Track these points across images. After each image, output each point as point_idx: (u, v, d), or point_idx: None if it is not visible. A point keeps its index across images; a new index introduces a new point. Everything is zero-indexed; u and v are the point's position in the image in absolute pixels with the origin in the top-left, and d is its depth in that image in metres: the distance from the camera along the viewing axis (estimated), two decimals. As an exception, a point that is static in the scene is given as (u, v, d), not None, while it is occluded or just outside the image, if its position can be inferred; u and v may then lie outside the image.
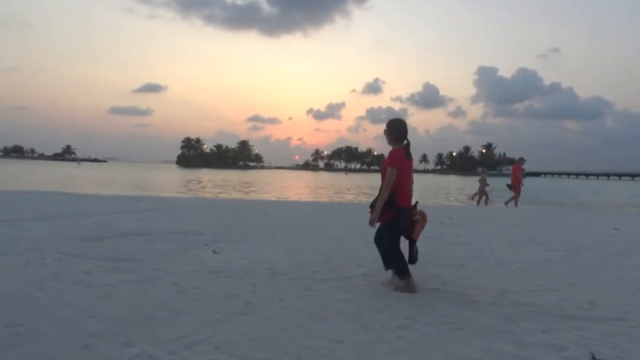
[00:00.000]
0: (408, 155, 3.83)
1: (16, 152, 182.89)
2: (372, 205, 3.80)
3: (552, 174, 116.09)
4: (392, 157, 3.73)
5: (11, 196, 11.35)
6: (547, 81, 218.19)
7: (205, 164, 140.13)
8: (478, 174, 16.89)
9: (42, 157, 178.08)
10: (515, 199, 14.10)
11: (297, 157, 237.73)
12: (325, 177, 69.72)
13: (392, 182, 3.66)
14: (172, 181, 34.06)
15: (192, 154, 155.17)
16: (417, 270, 4.33)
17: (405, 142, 3.84)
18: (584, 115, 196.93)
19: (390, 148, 3.88)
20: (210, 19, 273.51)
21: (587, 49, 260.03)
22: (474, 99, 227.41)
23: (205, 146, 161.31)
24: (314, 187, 32.79)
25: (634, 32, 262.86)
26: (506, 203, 14.43)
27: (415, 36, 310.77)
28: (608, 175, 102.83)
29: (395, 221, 3.76)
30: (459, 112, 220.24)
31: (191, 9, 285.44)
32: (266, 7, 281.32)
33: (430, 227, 7.71)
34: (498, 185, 18.96)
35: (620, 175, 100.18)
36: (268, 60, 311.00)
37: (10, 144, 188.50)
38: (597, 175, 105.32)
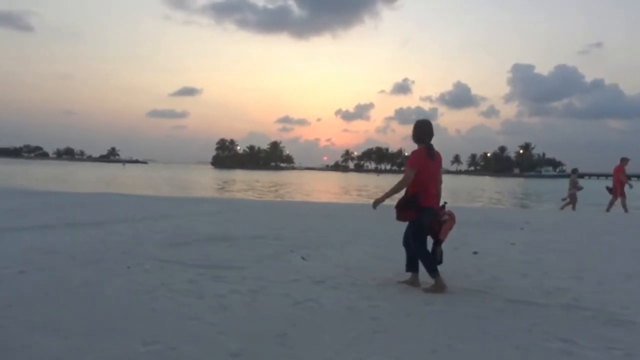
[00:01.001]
0: (431, 156, 3.80)
1: (67, 154, 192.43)
2: (398, 206, 3.82)
3: (598, 175, 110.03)
4: (412, 158, 3.78)
5: (87, 198, 11.59)
6: (588, 78, 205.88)
7: (239, 164, 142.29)
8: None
9: (90, 158, 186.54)
10: (613, 202, 12.62)
11: (325, 158, 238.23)
12: (357, 178, 69.21)
13: (408, 182, 3.72)
14: (215, 182, 34.56)
15: (227, 155, 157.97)
16: (535, 282, 3.95)
17: (428, 143, 3.83)
18: (630, 114, 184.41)
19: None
20: (242, 24, 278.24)
21: (632, 43, 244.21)
22: (508, 98, 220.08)
23: (238, 147, 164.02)
24: (355, 189, 32.38)
25: None
26: (608, 209, 12.76)
27: (445, 35, 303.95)
28: None
29: (419, 221, 3.74)
30: (491, 112, 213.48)
31: (225, 14, 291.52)
32: (296, 10, 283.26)
33: (511, 233, 7.28)
34: (539, 187, 17.90)
35: None
36: (298, 62, 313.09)
37: (62, 146, 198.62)
38: None
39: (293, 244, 5.84)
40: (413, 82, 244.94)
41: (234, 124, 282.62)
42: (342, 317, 3.19)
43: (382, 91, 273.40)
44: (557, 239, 6.83)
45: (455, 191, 29.97)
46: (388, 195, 3.83)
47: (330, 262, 4.88)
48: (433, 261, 3.77)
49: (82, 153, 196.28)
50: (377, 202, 3.90)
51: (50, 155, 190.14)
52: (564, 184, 13.75)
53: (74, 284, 3.76)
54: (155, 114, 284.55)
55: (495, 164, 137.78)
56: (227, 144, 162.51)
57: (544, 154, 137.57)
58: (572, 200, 13.72)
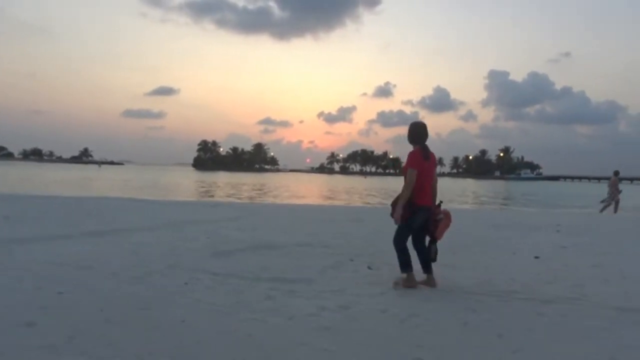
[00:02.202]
0: (426, 157, 3.92)
1: (35, 154, 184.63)
2: (393, 204, 3.91)
3: (572, 177, 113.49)
4: (410, 159, 3.90)
5: (91, 203, 10.76)
6: (558, 85, 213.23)
7: (221, 166, 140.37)
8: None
9: (60, 159, 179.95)
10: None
11: (308, 160, 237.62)
12: (345, 180, 69.10)
13: (412, 184, 3.79)
14: (206, 185, 33.64)
15: (209, 157, 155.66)
16: (623, 287, 3.58)
17: (423, 144, 3.96)
18: (596, 120, 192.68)
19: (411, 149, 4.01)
20: (221, 23, 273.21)
21: (598, 53, 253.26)
22: (485, 103, 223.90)
23: (221, 149, 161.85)
24: (354, 191, 32.07)
25: None
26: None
27: (425, 40, 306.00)
28: (631, 179, 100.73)
29: (411, 219, 3.83)
30: (469, 116, 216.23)
31: (203, 13, 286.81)
32: (277, 12, 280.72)
33: (549, 235, 7.08)
34: (525, 189, 18.02)
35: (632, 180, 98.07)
36: (279, 63, 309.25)
37: (28, 146, 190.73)
38: (620, 179, 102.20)
39: (346, 252, 5.42)
40: (395, 85, 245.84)
41: (213, 125, 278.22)
42: (468, 336, 2.79)
43: (365, 94, 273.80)
44: (598, 242, 6.66)
45: (452, 193, 30.06)
46: (402, 204, 3.81)
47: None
48: (409, 257, 3.88)
49: (51, 154, 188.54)
50: (398, 216, 3.83)
51: (16, 155, 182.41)
52: (542, 185, 13.70)
53: (133, 306, 3.24)
54: (130, 113, 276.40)
55: (477, 167, 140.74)
56: (209, 145, 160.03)
57: (522, 157, 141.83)
58: (613, 202, 13.63)
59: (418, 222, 3.85)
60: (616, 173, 14.21)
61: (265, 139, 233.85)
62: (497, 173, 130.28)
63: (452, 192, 31.02)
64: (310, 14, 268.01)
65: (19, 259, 4.60)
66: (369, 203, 19.14)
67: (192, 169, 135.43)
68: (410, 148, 4.01)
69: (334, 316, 3.14)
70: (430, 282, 3.95)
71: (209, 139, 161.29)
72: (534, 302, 3.54)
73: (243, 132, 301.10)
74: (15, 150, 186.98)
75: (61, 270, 4.20)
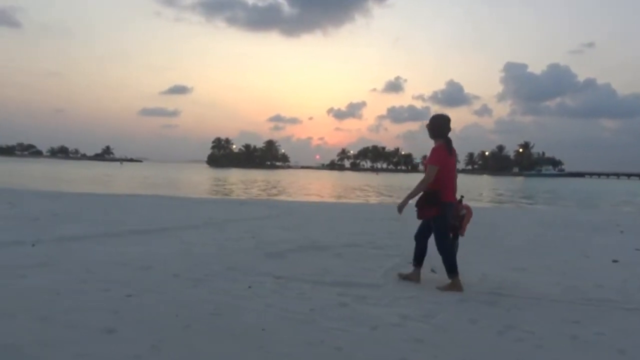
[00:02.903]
0: (450, 152, 3.79)
1: (62, 152, 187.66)
2: (419, 205, 3.81)
3: (599, 174, 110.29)
4: (434, 155, 3.73)
5: (126, 200, 10.72)
6: (581, 77, 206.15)
7: (234, 163, 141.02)
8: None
9: (85, 157, 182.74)
10: None
11: (317, 156, 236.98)
12: (357, 177, 68.72)
13: (430, 180, 3.67)
14: (224, 182, 33.71)
15: (222, 154, 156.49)
16: None
17: (447, 138, 3.82)
18: (622, 113, 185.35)
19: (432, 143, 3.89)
20: (232, 21, 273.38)
21: (625, 43, 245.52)
22: (501, 97, 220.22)
23: (234, 146, 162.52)
24: (373, 188, 31.80)
25: None
26: None
27: (437, 34, 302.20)
28: None
29: (442, 218, 3.73)
30: (484, 111, 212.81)
31: (215, 11, 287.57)
32: (287, 8, 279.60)
33: (614, 236, 6.62)
34: (542, 186, 17.42)
35: None
36: (289, 60, 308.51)
37: (54, 144, 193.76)
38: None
39: (399, 253, 5.25)
40: (405, 80, 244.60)
41: (225, 122, 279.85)
42: (585, 352, 2.56)
43: (374, 89, 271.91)
44: None
45: (477, 189, 29.55)
46: (411, 196, 3.77)
47: (469, 275, 4.26)
48: (455, 261, 3.75)
49: (76, 151, 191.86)
50: (402, 206, 3.85)
51: (44, 153, 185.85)
52: (566, 182, 13.15)
53: (206, 312, 3.10)
54: (146, 112, 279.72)
55: (494, 163, 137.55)
56: (222, 142, 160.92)
57: (543, 153, 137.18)
58: None
59: (449, 219, 3.76)
60: None
61: (275, 136, 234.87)
62: (516, 169, 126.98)
63: (477, 188, 30.56)
64: (319, 9, 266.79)
65: (77, 258, 4.50)
66: (396, 202, 18.89)
67: (206, 165, 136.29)
68: (429, 142, 3.87)
69: (421, 327, 2.94)
70: (415, 277, 3.95)
71: (222, 136, 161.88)
72: (623, 311, 3.29)
73: (254, 129, 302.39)
74: (43, 148, 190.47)
75: (122, 271, 4.09)
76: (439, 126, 3.81)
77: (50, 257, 4.47)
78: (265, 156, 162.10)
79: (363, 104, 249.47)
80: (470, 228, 7.26)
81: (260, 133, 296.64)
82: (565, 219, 9.01)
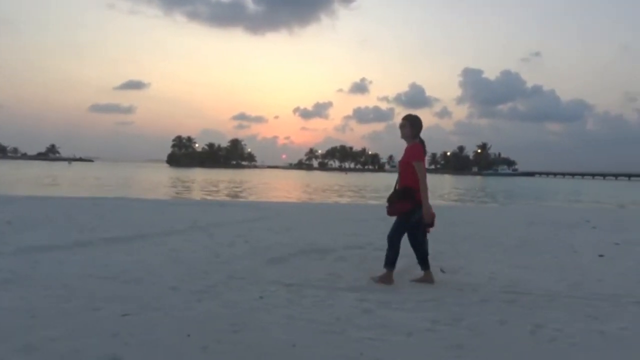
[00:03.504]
0: (425, 152, 3.90)
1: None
2: (391, 200, 3.80)
3: (547, 173, 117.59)
4: (416, 153, 3.76)
5: (91, 204, 9.81)
6: (529, 84, 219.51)
7: (197, 163, 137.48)
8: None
9: (25, 156, 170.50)
10: None
11: (284, 156, 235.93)
12: (328, 177, 68.95)
13: (424, 174, 3.70)
14: (199, 182, 32.55)
15: (184, 153, 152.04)
16: None
17: (421, 138, 3.89)
18: (565, 118, 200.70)
19: (401, 141, 3.93)
20: (193, 16, 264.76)
21: (567, 53, 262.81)
22: (460, 100, 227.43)
23: (196, 145, 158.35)
24: (350, 188, 31.79)
25: (612, 36, 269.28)
26: None
27: (401, 37, 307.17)
28: (593, 175, 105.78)
29: (412, 215, 3.73)
30: (444, 113, 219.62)
31: (173, 5, 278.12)
32: (251, 5, 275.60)
33: (588, 232, 6.87)
34: (499, 185, 18.24)
35: (604, 175, 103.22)
36: (254, 58, 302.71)
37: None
38: (582, 175, 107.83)
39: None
40: (371, 82, 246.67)
41: (185, 120, 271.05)
42: (620, 349, 2.47)
43: (341, 90, 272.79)
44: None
45: (440, 189, 30.21)
46: (426, 199, 3.70)
47: (479, 274, 4.15)
48: (396, 256, 3.85)
49: (15, 150, 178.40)
50: (431, 215, 3.71)
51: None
52: (520, 181, 13.72)
53: (222, 329, 2.76)
54: (98, 108, 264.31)
55: (455, 163, 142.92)
56: (184, 141, 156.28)
57: (499, 154, 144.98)
58: None
59: (417, 218, 3.74)
60: None
61: (240, 135, 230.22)
62: (475, 169, 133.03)
63: (433, 189, 31.30)
64: (285, 8, 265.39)
65: (50, 272, 3.97)
66: (382, 203, 18.86)
67: (166, 165, 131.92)
68: (394, 143, 3.90)
69: (455, 331, 2.77)
70: (429, 278, 3.90)
71: (183, 134, 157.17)
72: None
73: (217, 128, 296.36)
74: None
75: (109, 285, 3.63)
76: (417, 126, 3.87)
77: (15, 272, 3.90)
78: (230, 155, 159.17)
79: (329, 104, 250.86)
80: (463, 227, 7.32)
81: (224, 132, 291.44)
82: (543, 217, 9.35)
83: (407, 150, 3.82)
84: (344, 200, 19.27)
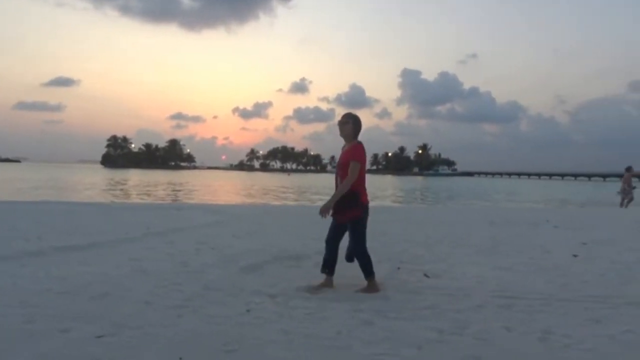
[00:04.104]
0: (366, 153, 3.83)
1: None
2: (341, 207, 3.62)
3: (486, 173, 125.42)
4: (358, 152, 3.67)
5: (31, 208, 8.70)
6: (466, 85, 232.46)
7: (133, 164, 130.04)
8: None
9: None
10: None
11: (224, 157, 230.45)
12: (270, 178, 68.36)
13: (356, 176, 3.58)
14: (141, 185, 30.57)
15: (119, 154, 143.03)
16: None
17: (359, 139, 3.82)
18: (501, 119, 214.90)
19: (338, 138, 3.83)
20: (125, 10, 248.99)
21: (502, 56, 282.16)
22: (399, 101, 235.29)
23: (132, 145, 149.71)
24: (298, 189, 31.57)
25: (543, 41, 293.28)
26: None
27: (340, 37, 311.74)
28: (529, 174, 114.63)
29: (362, 220, 3.67)
30: (384, 114, 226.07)
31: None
32: (187, 0, 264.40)
33: (551, 231, 7.18)
34: (441, 184, 19.24)
35: (539, 175, 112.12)
36: (190, 55, 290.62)
37: None
38: (519, 174, 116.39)
39: (380, 259, 4.99)
40: (310, 82, 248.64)
41: (120, 119, 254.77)
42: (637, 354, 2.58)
43: (280, 90, 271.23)
44: (611, 236, 6.97)
45: (381, 189, 31.07)
46: (336, 197, 3.60)
47: (464, 278, 4.23)
48: (371, 262, 3.75)
49: None
50: (327, 209, 3.63)
51: None
52: (459, 181, 14.48)
53: (215, 348, 2.55)
54: (24, 106, 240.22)
55: (396, 163, 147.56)
56: (119, 141, 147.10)
57: (439, 154, 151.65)
58: (626, 196, 14.03)
59: (366, 222, 3.69)
60: (628, 169, 14.07)
61: (177, 135, 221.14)
62: (416, 169, 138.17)
63: (381, 189, 32.18)
64: (222, 4, 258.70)
65: (1, 287, 3.47)
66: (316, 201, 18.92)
67: (100, 166, 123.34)
68: (335, 143, 3.90)
69: (465, 340, 2.74)
70: (330, 284, 3.80)
71: (117, 134, 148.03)
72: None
73: (154, 128, 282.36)
74: None
75: (73, 301, 3.25)
76: (359, 126, 3.81)
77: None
78: (168, 156, 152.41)
79: (269, 103, 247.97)
80: (432, 228, 7.48)
81: (160, 131, 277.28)
82: (502, 217, 9.64)
83: (348, 151, 3.69)
84: (299, 202, 19.15)
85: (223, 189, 30.42)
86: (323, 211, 3.62)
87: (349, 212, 3.62)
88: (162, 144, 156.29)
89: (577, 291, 3.87)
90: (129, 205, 11.13)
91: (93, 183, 29.51)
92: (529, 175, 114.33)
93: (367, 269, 3.73)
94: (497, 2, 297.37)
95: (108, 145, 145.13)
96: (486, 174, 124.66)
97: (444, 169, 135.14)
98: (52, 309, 3.05)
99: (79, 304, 3.21)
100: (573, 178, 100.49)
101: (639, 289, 3.97)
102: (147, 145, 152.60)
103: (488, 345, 2.68)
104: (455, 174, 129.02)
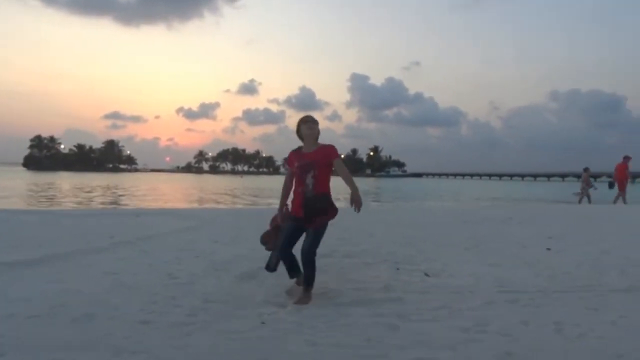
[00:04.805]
0: None
1: None
2: (328, 206, 3.45)
3: (434, 174, 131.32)
4: (336, 151, 3.62)
5: None
6: (412, 91, 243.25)
7: (63, 166, 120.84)
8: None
9: None
10: (620, 195, 14.24)
11: (168, 158, 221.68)
12: (223, 180, 66.71)
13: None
14: (79, 188, 28.13)
15: (46, 155, 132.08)
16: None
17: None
18: (443, 123, 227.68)
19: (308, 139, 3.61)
20: (49, 1, 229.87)
21: (442, 64, 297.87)
22: (349, 104, 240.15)
23: (62, 146, 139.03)
24: (259, 191, 30.79)
25: (476, 50, 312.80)
26: (614, 201, 14.31)
27: (290, 39, 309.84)
28: (472, 175, 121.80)
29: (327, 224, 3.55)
30: (335, 116, 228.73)
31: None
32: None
33: (514, 228, 7.54)
34: (393, 185, 19.86)
35: (481, 176, 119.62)
36: (127, 52, 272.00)
37: None
38: (463, 175, 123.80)
39: (374, 260, 4.93)
40: (260, 83, 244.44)
41: (45, 118, 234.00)
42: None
43: (228, 90, 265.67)
44: (572, 230, 7.38)
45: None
46: (356, 188, 3.44)
47: (462, 275, 4.24)
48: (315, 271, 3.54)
49: None
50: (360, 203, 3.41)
51: None
52: (410, 181, 15.06)
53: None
54: None
55: (349, 165, 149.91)
56: (45, 141, 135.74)
57: (390, 156, 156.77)
58: (583, 194, 15.15)
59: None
60: (586, 169, 15.72)
61: (113, 136, 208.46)
62: (369, 171, 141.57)
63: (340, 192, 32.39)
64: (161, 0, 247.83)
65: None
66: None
67: (22, 169, 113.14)
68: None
69: (493, 338, 2.71)
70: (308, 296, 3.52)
71: (42, 133, 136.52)
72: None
73: (86, 128, 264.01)
74: None
75: (48, 328, 2.81)
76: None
77: None
78: (105, 158, 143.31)
79: (217, 104, 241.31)
80: (413, 228, 7.51)
81: (94, 132, 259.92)
82: (472, 216, 9.94)
83: (324, 150, 3.54)
84: (271, 205, 18.65)
85: (177, 192, 29.03)
86: (360, 205, 3.37)
87: (331, 213, 3.48)
88: (96, 145, 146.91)
89: (565, 282, 4.03)
90: (75, 213, 10.16)
91: (14, 188, 26.84)
92: (471, 175, 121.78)
93: (313, 278, 3.48)
94: (440, 13, 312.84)
95: (32, 146, 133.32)
96: (434, 174, 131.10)
97: (394, 170, 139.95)
98: (27, 338, 2.60)
99: (61, 330, 2.78)
100: (509, 178, 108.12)
101: (614, 277, 4.21)
102: (80, 146, 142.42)
103: (514, 341, 2.68)
104: (406, 175, 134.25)
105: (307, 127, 3.60)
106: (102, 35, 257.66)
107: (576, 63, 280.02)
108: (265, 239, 3.74)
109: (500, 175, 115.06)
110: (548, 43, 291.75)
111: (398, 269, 4.55)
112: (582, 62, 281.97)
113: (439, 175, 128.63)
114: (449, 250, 5.62)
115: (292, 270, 3.70)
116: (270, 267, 3.56)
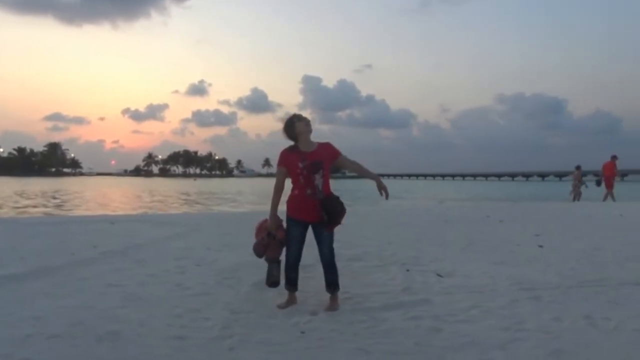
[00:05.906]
0: None
1: None
2: (342, 210, 3.34)
3: (389, 175, 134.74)
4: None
5: None
6: (364, 93, 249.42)
7: (3, 170, 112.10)
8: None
9: None
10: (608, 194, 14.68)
11: (113, 162, 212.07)
12: (176, 183, 64.66)
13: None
14: (26, 194, 26.02)
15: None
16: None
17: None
18: (395, 125, 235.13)
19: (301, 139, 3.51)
20: None
21: (393, 67, 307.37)
22: (302, 106, 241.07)
23: (1, 149, 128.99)
24: (216, 195, 29.94)
25: (426, 55, 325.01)
26: (604, 199, 14.72)
27: (242, 40, 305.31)
28: (425, 175, 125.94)
29: None
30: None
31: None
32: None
33: (497, 226, 7.85)
34: (351, 186, 20.12)
35: (434, 176, 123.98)
36: (69, 51, 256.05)
37: None
38: (417, 175, 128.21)
39: (382, 262, 4.94)
40: (210, 84, 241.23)
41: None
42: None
43: (177, 91, 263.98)
44: (558, 228, 7.69)
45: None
46: (378, 178, 3.67)
47: (477, 275, 4.34)
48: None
49: None
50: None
51: None
52: (365, 182, 15.36)
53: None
54: None
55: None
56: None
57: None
58: (576, 192, 15.63)
59: None
60: (578, 167, 16.12)
61: (55, 138, 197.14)
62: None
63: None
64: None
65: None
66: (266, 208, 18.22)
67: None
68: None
69: (537, 336, 2.81)
70: (295, 300, 3.50)
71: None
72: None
73: (25, 130, 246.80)
74: None
75: (73, 348, 2.61)
76: None
77: None
78: (47, 161, 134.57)
79: (165, 106, 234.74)
80: (407, 229, 7.57)
81: (34, 134, 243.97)
82: (450, 215, 10.13)
83: (327, 148, 3.50)
84: (242, 208, 18.19)
85: (134, 197, 27.71)
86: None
87: (341, 218, 3.35)
88: (37, 147, 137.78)
89: (575, 278, 4.23)
90: (42, 220, 9.43)
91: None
92: (425, 176, 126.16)
93: (337, 281, 3.39)
94: (391, 16, 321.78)
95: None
96: (388, 175, 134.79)
97: (350, 171, 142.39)
98: (64, 349, 2.38)
99: (88, 350, 2.58)
100: (462, 178, 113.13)
101: (616, 271, 4.47)
102: (20, 150, 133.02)
103: (557, 338, 2.78)
104: (361, 176, 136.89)
105: (305, 124, 3.43)
106: (42, 34, 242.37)
107: (521, 67, 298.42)
108: (260, 250, 3.43)
109: (453, 176, 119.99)
110: (495, 48, 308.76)
111: (408, 270, 4.59)
112: (527, 67, 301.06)
113: (394, 176, 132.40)
114: (447, 249, 5.73)
115: (296, 283, 3.47)
116: (276, 281, 3.35)
